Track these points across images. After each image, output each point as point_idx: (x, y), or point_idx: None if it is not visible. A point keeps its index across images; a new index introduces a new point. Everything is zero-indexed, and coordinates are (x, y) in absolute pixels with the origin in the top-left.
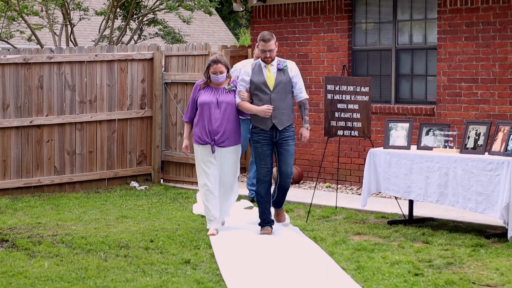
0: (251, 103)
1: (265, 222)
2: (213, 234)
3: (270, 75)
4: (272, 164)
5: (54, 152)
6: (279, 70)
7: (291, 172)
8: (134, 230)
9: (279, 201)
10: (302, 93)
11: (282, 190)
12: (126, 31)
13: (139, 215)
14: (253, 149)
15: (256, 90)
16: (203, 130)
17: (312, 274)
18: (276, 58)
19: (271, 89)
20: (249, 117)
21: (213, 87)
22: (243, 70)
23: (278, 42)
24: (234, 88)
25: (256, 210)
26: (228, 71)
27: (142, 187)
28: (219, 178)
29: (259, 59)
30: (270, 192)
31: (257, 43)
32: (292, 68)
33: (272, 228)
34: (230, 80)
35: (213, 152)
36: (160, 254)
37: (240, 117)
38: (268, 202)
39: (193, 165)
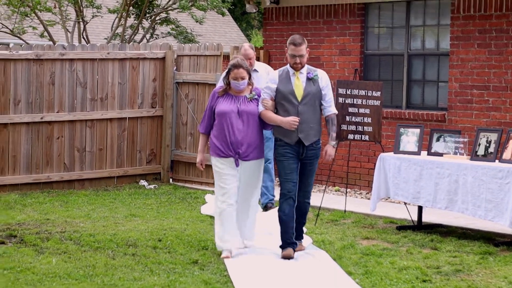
0: (276, 113)
1: (287, 243)
2: (228, 257)
3: (298, 84)
4: (297, 179)
5: (64, 148)
6: (308, 79)
7: (310, 191)
8: (142, 229)
9: (298, 230)
10: (331, 107)
11: (300, 214)
12: (138, 29)
13: (148, 214)
14: (277, 164)
15: (282, 100)
16: (225, 143)
17: (322, 281)
18: (306, 65)
19: (299, 99)
20: (271, 129)
21: (233, 95)
22: (269, 76)
23: None
24: (256, 97)
25: (271, 220)
26: (250, 77)
27: (151, 186)
28: (238, 194)
29: (287, 65)
30: (294, 209)
31: (286, 50)
32: (323, 78)
33: (294, 250)
34: (252, 88)
35: (237, 165)
36: (168, 253)
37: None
38: (292, 221)
39: None
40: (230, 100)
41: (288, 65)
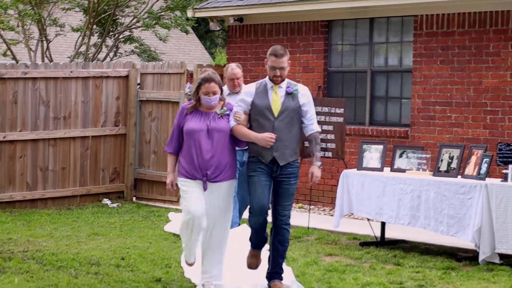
0: (250, 129)
1: (256, 246)
2: (192, 264)
3: (276, 99)
4: (269, 197)
5: (27, 168)
6: (288, 94)
7: (288, 215)
8: (105, 247)
9: (277, 264)
10: (313, 125)
11: (279, 242)
12: (102, 48)
13: (111, 232)
14: (248, 180)
15: (258, 115)
16: (192, 165)
17: None
18: (286, 79)
19: (276, 115)
20: (245, 147)
21: (203, 111)
22: (245, 89)
23: (253, 62)
24: (227, 112)
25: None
26: (221, 92)
27: (115, 205)
28: (205, 217)
29: (266, 78)
30: (265, 226)
31: (266, 61)
32: (304, 94)
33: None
34: (223, 103)
35: (204, 189)
36: (131, 272)
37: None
38: (264, 230)
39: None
40: (199, 117)
41: (266, 78)
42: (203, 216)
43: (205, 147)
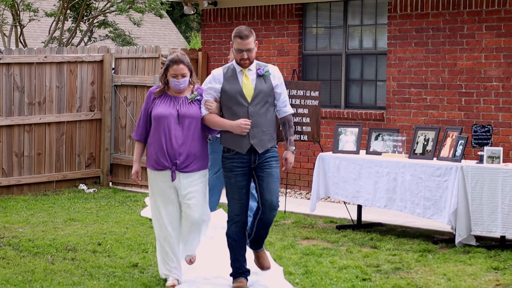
0: (222, 117)
1: (239, 272)
2: (174, 286)
3: (247, 83)
4: (248, 198)
5: (2, 154)
6: (259, 76)
7: (276, 202)
8: (82, 233)
9: (259, 240)
10: (286, 107)
11: (264, 225)
12: (76, 32)
13: (87, 218)
14: (224, 179)
15: (229, 102)
16: (161, 152)
17: None
18: (255, 61)
19: (249, 100)
20: (217, 135)
21: (172, 95)
22: (212, 75)
23: (228, 46)
24: (198, 97)
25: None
26: (191, 75)
27: (91, 190)
28: (179, 215)
29: (233, 61)
30: (245, 233)
31: (231, 44)
32: (276, 75)
33: (247, 280)
34: (193, 87)
35: (173, 179)
36: (107, 257)
37: (209, 135)
38: (243, 246)
39: (143, 168)
40: (168, 102)
41: (233, 62)
42: (177, 217)
43: (175, 133)
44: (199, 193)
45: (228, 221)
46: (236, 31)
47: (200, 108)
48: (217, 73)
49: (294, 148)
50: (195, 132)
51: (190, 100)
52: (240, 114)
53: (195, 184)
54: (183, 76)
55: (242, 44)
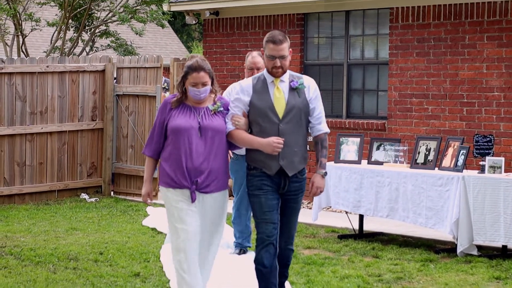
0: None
1: None
2: None
3: (279, 96)
4: (278, 218)
5: (4, 163)
6: (292, 89)
7: (293, 237)
8: (83, 242)
9: (280, 282)
10: (321, 124)
11: (281, 265)
12: (78, 42)
13: (89, 227)
14: (250, 199)
15: (258, 118)
16: (180, 169)
17: None
18: (288, 71)
19: (281, 116)
20: (243, 153)
21: (191, 106)
22: (240, 86)
23: (230, 55)
24: (221, 109)
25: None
26: (213, 82)
27: (92, 199)
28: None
29: (263, 71)
30: (276, 260)
31: (262, 50)
32: (311, 88)
33: None
34: (215, 97)
35: (192, 200)
36: (109, 266)
37: (233, 152)
38: (275, 275)
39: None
40: (187, 112)
41: (264, 71)
42: (197, 233)
43: (197, 148)
44: (219, 216)
45: (257, 246)
46: (269, 35)
47: (224, 119)
48: (246, 84)
49: (324, 171)
50: (218, 147)
51: (212, 111)
52: (269, 132)
53: (215, 206)
54: (204, 85)
55: (275, 50)
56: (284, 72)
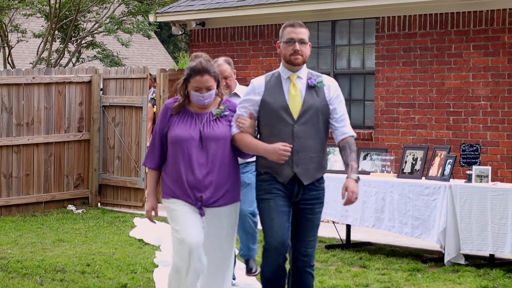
0: (259, 138)
1: None
2: None
3: (295, 94)
4: (289, 227)
5: None
6: (310, 87)
7: (312, 254)
8: (70, 254)
9: None
10: (346, 127)
11: None
12: (64, 53)
13: (76, 238)
14: (259, 205)
15: (270, 119)
16: (180, 185)
17: None
18: (307, 69)
19: (295, 117)
20: (251, 160)
21: (193, 111)
22: (251, 85)
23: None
24: (226, 113)
25: None
26: (218, 85)
27: (79, 211)
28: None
29: (279, 68)
30: (285, 273)
31: (278, 43)
32: (331, 87)
33: None
34: (221, 100)
35: (202, 215)
36: (96, 278)
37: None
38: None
39: (131, 188)
40: (188, 120)
41: (280, 67)
42: (201, 242)
43: (198, 160)
44: (229, 233)
45: (263, 254)
46: (286, 23)
47: (229, 125)
48: (258, 82)
49: (357, 176)
50: (223, 157)
51: (215, 117)
52: (282, 135)
53: (224, 221)
54: (208, 89)
55: (294, 33)
56: (304, 61)
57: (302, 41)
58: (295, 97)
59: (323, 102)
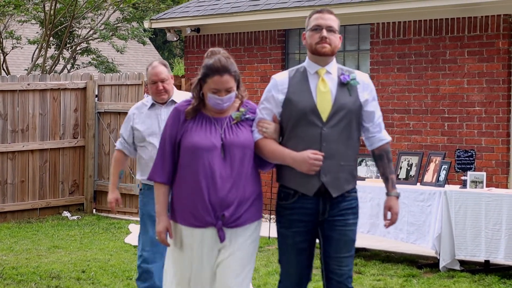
0: (284, 144)
1: None
2: None
3: (325, 91)
4: (310, 266)
5: None
6: (342, 84)
7: (349, 274)
8: (65, 260)
9: None
10: (382, 132)
11: None
12: (59, 60)
13: (71, 245)
14: (278, 237)
15: (295, 121)
16: (201, 202)
17: None
18: (337, 65)
19: (324, 118)
20: (271, 168)
21: (210, 116)
22: (273, 80)
23: None
24: (248, 116)
25: None
26: (238, 86)
27: (75, 217)
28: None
29: (304, 62)
30: None
31: (304, 34)
32: (366, 85)
33: None
34: (241, 103)
35: (221, 240)
36: (92, 284)
37: (143, 182)
38: None
39: (126, 195)
40: (206, 125)
41: (306, 62)
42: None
43: (221, 174)
44: (250, 254)
45: None
46: (312, 11)
47: (251, 130)
48: (280, 78)
49: (398, 192)
50: (248, 167)
51: (235, 120)
52: (308, 139)
53: (246, 242)
54: (228, 91)
55: (322, 19)
56: (333, 52)
57: (330, 29)
58: (324, 94)
59: (356, 103)
